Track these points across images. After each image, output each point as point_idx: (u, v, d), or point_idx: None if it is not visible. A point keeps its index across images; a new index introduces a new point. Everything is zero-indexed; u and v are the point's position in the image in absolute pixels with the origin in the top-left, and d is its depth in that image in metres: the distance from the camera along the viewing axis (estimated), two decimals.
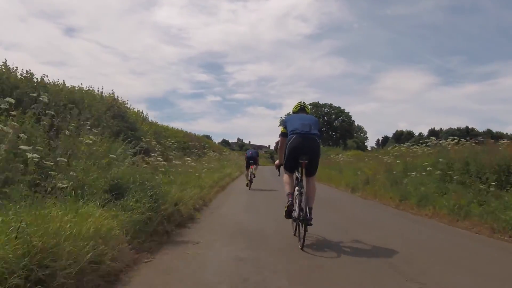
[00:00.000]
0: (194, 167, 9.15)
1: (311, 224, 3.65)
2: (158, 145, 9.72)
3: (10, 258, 1.76)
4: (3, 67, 6.59)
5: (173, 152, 9.44)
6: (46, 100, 4.31)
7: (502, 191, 5.89)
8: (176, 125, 18.52)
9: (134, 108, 11.11)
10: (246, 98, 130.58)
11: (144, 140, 7.84)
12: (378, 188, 9.91)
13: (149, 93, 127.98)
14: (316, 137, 3.97)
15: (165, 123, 17.35)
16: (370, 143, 61.10)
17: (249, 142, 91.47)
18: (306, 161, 3.84)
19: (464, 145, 9.02)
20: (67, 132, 4.20)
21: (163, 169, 6.03)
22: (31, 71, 6.89)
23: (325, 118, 55.33)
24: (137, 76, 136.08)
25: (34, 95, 4.77)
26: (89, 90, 8.73)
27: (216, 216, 5.83)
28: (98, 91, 9.20)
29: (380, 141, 70.30)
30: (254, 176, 10.90)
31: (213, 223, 5.19)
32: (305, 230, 3.57)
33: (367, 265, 3.31)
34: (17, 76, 6.60)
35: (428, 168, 8.56)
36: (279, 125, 60.48)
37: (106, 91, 9.29)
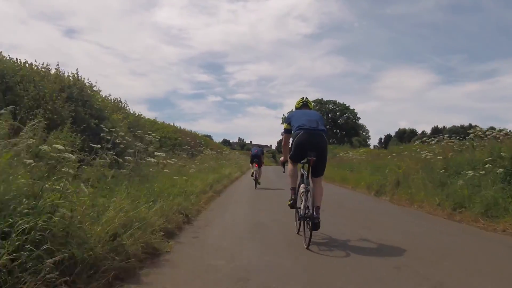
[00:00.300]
0: (178, 168, 7.07)
1: (318, 227, 3.46)
2: (137, 141, 7.64)
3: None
4: None
5: (152, 148, 7.28)
6: None
7: None
8: (177, 125, 16.21)
9: (109, 96, 8.97)
10: (246, 98, 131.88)
11: (113, 132, 5.72)
12: (415, 191, 7.78)
13: (150, 94, 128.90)
14: (324, 133, 3.82)
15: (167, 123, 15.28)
16: (372, 141, 59.49)
17: (250, 141, 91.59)
18: (314, 158, 3.63)
19: None
20: None
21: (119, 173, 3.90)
22: None
23: (329, 115, 53.07)
24: (138, 76, 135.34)
25: None
26: (41, 69, 6.60)
27: (199, 248, 3.45)
28: (63, 73, 7.05)
29: (382, 140, 69.10)
30: (259, 184, 10.55)
31: (192, 265, 2.88)
32: (311, 229, 3.39)
33: None
34: None
35: (486, 165, 6.45)
36: (281, 123, 60.14)
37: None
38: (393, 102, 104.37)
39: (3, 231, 1.66)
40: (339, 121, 53.41)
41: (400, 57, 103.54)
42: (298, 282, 2.58)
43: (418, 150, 10.94)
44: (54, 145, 2.73)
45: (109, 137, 5.21)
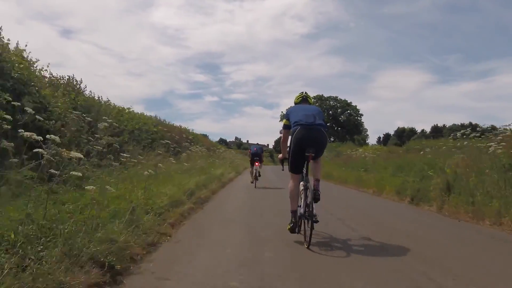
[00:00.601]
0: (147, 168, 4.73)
1: (317, 221, 3.34)
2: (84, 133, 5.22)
3: None
4: None
5: (108, 138, 4.86)
6: None
7: None
8: (159, 118, 13.81)
9: (44, 69, 6.44)
10: (243, 98, 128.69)
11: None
12: (483, 200, 5.40)
13: (147, 94, 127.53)
14: (322, 127, 3.69)
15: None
16: (371, 141, 58.02)
17: (247, 141, 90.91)
18: (313, 154, 3.54)
19: None
20: None
21: None
22: None
23: (330, 112, 50.59)
24: (135, 77, 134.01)
25: None
26: None
27: None
28: None
29: (381, 139, 68.16)
30: (260, 175, 10.34)
31: None
32: (312, 228, 3.28)
33: None
34: None
35: None
36: (280, 120, 58.15)
37: None
38: (390, 101, 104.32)
39: None
40: (340, 118, 50.94)
41: (397, 57, 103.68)
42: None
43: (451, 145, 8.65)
44: None
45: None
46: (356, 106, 50.98)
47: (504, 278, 2.71)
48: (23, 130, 2.80)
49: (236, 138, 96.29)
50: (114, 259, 2.29)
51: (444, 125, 65.90)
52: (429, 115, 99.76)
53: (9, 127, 3.14)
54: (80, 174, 2.86)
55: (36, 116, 3.72)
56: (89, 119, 5.31)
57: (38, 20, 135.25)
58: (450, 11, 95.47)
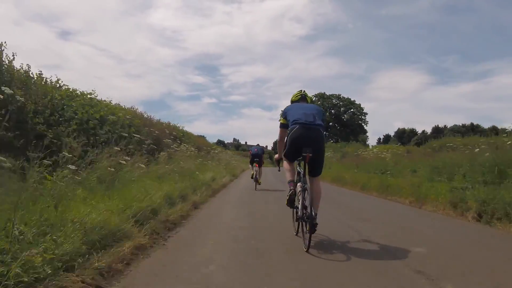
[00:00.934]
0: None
1: (316, 224, 3.17)
2: None
3: None
4: None
5: None
6: None
7: None
8: (139, 111, 11.59)
9: None
10: (241, 99, 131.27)
11: None
12: None
13: (145, 96, 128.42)
14: (321, 128, 3.55)
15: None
16: (371, 141, 56.64)
17: (246, 142, 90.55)
18: (310, 154, 3.35)
19: None
20: None
21: None
22: None
23: (332, 111, 48.16)
24: (133, 78, 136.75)
25: None
26: None
27: None
28: None
29: (381, 140, 67.29)
30: (259, 184, 9.85)
31: None
32: (311, 232, 3.12)
33: None
34: None
35: None
36: (279, 120, 55.35)
37: None
38: (388, 102, 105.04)
39: None
40: (343, 117, 48.49)
41: (395, 58, 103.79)
42: None
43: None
44: None
45: None
46: (360, 104, 48.63)
47: None
48: None
49: (234, 139, 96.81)
50: None
51: (445, 125, 66.46)
52: (427, 116, 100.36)
53: None
54: None
55: None
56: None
57: (36, 22, 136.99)
58: (448, 12, 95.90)
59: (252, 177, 10.05)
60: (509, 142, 6.68)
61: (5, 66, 5.16)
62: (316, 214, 3.27)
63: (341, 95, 48.79)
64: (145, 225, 3.36)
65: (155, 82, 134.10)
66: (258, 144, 11.75)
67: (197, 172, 8.28)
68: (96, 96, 8.12)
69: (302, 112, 3.57)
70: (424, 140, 25.39)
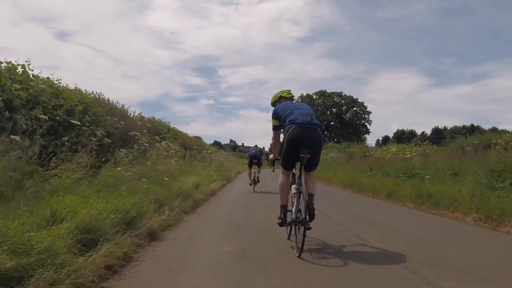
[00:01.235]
0: None
1: (310, 228, 3.04)
2: None
3: None
4: None
5: None
6: None
7: None
8: (105, 97, 9.41)
9: None
10: (239, 101, 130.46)
11: None
12: None
13: (142, 97, 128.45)
14: (318, 127, 3.40)
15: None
16: (369, 142, 55.18)
17: (242, 144, 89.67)
18: (308, 156, 3.19)
19: None
20: None
21: None
22: None
23: (333, 110, 45.80)
24: (130, 80, 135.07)
25: None
26: None
27: None
28: None
29: (380, 141, 66.77)
30: (258, 181, 9.64)
31: None
32: (304, 235, 2.99)
33: None
34: None
35: None
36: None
37: None
38: (385, 104, 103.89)
39: None
40: (345, 116, 46.08)
41: (392, 60, 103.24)
42: None
43: None
44: None
45: None
46: (363, 103, 46.09)
47: None
48: None
49: (231, 140, 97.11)
50: None
51: (445, 127, 66.14)
52: (424, 118, 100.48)
53: None
54: None
55: None
56: None
57: (34, 23, 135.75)
58: (444, 15, 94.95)
59: (250, 184, 9.70)
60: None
61: None
62: (313, 195, 3.23)
63: (343, 93, 46.48)
64: None
65: (152, 83, 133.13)
66: (256, 145, 11.00)
67: (166, 178, 5.97)
68: (41, 73, 5.86)
69: (299, 112, 3.41)
70: (435, 139, 23.21)
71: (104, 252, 2.36)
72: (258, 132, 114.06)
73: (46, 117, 4.31)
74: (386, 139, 67.85)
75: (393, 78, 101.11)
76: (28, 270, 1.84)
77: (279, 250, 3.27)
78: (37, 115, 4.55)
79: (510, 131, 6.35)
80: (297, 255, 3.02)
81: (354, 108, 46.14)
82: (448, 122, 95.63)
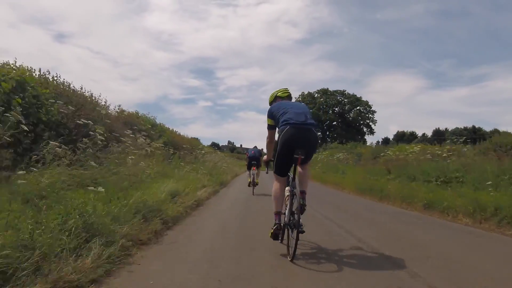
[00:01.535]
0: None
1: (303, 231, 2.89)
2: None
3: None
4: None
5: None
6: None
7: None
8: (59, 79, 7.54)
9: None
10: (237, 103, 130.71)
11: None
12: None
13: (141, 99, 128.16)
14: (313, 127, 3.32)
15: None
16: (370, 144, 53.78)
17: (241, 145, 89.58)
18: (302, 157, 3.10)
19: None
20: None
21: None
22: None
23: (335, 109, 43.71)
24: (129, 81, 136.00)
25: None
26: None
27: None
28: None
29: (380, 143, 65.83)
30: (257, 184, 9.33)
31: None
32: (297, 239, 2.85)
33: None
34: None
35: None
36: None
37: None
38: (383, 106, 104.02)
39: None
40: (348, 116, 44.00)
41: (390, 62, 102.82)
42: None
43: None
44: None
45: None
46: (367, 101, 43.93)
47: None
48: None
49: (229, 142, 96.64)
50: None
51: (446, 128, 65.64)
52: (422, 120, 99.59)
53: None
54: None
55: None
56: None
57: (32, 24, 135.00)
58: (442, 17, 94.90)
59: (249, 185, 9.43)
60: None
61: None
62: (305, 192, 3.18)
63: (346, 91, 44.30)
64: None
65: (150, 85, 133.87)
66: (255, 147, 10.38)
67: (161, 182, 4.03)
68: None
69: (294, 112, 3.29)
70: (437, 141, 21.28)
71: None
72: (256, 134, 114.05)
73: None
74: (386, 141, 67.24)
75: (392, 80, 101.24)
76: None
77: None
78: None
79: None
80: (289, 259, 2.91)
81: (358, 107, 44.07)
82: (446, 124, 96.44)
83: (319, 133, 45.57)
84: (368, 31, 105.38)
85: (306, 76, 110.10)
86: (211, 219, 4.94)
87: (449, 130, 63.95)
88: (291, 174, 3.37)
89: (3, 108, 4.19)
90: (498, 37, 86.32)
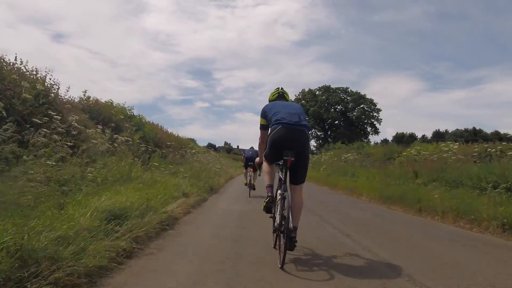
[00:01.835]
0: None
1: (295, 246, 2.81)
2: None
3: None
4: None
5: None
6: None
7: None
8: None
9: None
10: (234, 104, 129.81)
11: None
12: None
13: (138, 99, 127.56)
14: (305, 129, 3.20)
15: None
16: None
17: (237, 146, 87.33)
18: (292, 158, 3.01)
19: None
20: None
21: None
22: None
23: (337, 107, 41.58)
24: (126, 82, 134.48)
25: None
26: None
27: None
28: None
29: (379, 144, 64.78)
30: (254, 188, 9.15)
31: None
32: (286, 248, 2.75)
33: None
34: None
35: None
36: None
37: None
38: (380, 108, 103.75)
39: None
40: (351, 115, 41.85)
41: (388, 64, 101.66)
42: None
43: None
44: None
45: None
46: (372, 99, 41.60)
47: None
48: None
49: (225, 143, 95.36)
50: None
51: (446, 130, 65.27)
52: (419, 122, 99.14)
53: None
54: None
55: None
56: None
57: (30, 24, 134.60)
58: (440, 20, 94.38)
59: (246, 184, 9.51)
60: None
61: None
62: (296, 228, 2.98)
63: (349, 89, 41.96)
64: None
65: (148, 86, 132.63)
66: (252, 147, 10.18)
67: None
68: None
69: (286, 112, 3.22)
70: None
71: None
72: (253, 135, 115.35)
73: None
74: (385, 142, 66.26)
75: (389, 82, 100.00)
76: None
77: None
78: None
79: None
80: (279, 266, 2.82)
81: (362, 106, 41.89)
82: (444, 127, 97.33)
83: (321, 133, 43.55)
84: (365, 33, 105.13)
85: (304, 77, 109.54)
86: (177, 269, 2.78)
87: (449, 131, 63.16)
88: (283, 176, 3.19)
89: None
90: (495, 40, 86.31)
